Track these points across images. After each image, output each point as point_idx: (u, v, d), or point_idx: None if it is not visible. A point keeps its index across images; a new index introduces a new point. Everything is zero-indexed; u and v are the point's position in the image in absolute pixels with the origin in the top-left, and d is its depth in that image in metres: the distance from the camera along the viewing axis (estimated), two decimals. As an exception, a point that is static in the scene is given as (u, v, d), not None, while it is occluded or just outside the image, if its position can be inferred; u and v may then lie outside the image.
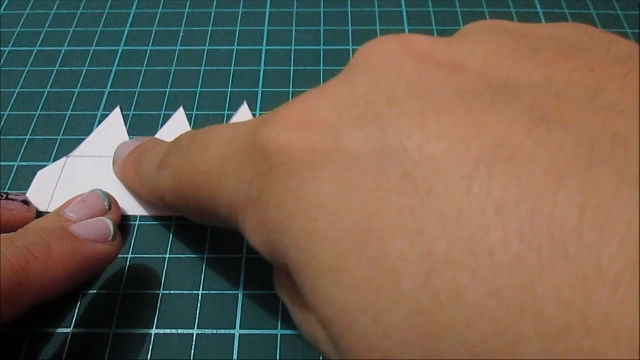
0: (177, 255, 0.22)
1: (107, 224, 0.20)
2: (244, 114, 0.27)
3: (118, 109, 0.27)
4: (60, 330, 0.20)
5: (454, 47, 0.12)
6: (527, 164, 0.09)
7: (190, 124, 0.26)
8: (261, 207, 0.12)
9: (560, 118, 0.09)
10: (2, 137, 0.26)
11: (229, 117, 0.26)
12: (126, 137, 0.26)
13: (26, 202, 0.22)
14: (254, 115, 0.26)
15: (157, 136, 0.26)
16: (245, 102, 0.27)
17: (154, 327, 0.20)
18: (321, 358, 0.19)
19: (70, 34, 0.31)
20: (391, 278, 0.09)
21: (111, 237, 0.20)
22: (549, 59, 0.11)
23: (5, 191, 0.23)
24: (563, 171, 0.09)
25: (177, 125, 0.26)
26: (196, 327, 0.20)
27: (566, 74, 0.10)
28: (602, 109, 0.09)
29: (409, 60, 0.12)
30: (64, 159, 0.25)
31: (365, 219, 0.10)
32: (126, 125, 0.26)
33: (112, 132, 0.26)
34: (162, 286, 0.21)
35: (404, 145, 0.10)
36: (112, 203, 0.22)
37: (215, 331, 0.20)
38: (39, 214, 0.23)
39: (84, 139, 0.26)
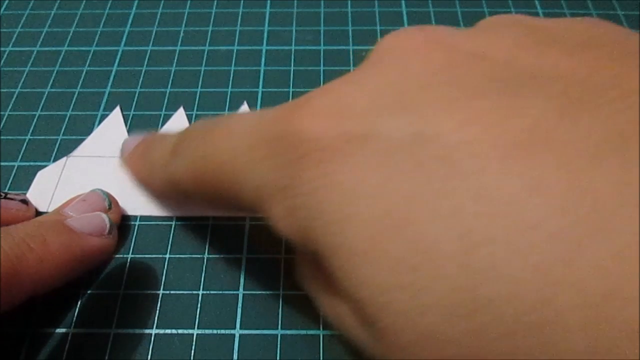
0: (177, 255, 0.22)
1: (103, 218, 0.20)
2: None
3: (118, 109, 0.27)
4: (60, 330, 0.20)
5: (478, 38, 0.13)
6: (563, 145, 0.09)
7: (190, 124, 0.26)
8: (291, 194, 0.12)
9: (589, 103, 0.10)
10: (2, 137, 0.26)
11: (229, 117, 0.26)
12: (126, 137, 0.26)
13: (25, 201, 0.22)
14: (254, 115, 0.26)
15: None
16: (245, 102, 0.27)
17: (154, 327, 0.20)
18: (322, 357, 0.19)
19: (70, 34, 0.31)
20: (429, 257, 0.10)
21: (107, 231, 0.20)
22: (570, 50, 0.11)
23: (5, 191, 0.23)
24: (596, 152, 0.09)
25: (177, 125, 0.26)
26: (196, 327, 0.20)
27: (588, 63, 0.11)
28: (626, 95, 0.10)
29: (435, 50, 0.12)
30: (64, 159, 0.25)
31: (401, 202, 0.10)
32: (126, 125, 0.26)
33: (112, 132, 0.26)
34: (162, 286, 0.21)
35: (438, 130, 0.10)
36: (112, 202, 0.22)
37: (215, 331, 0.20)
38: (39, 215, 0.23)
39: (84, 139, 0.26)
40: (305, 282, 0.16)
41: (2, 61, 0.29)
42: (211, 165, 0.15)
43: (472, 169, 0.10)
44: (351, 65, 0.28)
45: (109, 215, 0.21)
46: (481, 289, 0.09)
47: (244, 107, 0.27)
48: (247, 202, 0.14)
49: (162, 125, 0.26)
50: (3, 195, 0.21)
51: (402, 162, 0.11)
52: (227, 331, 0.20)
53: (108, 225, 0.20)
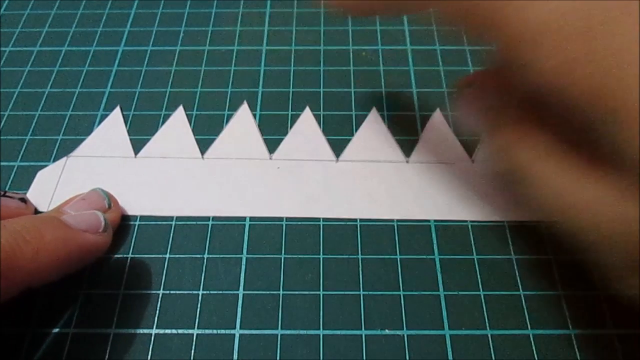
0: (177, 255, 0.22)
1: (98, 215, 0.21)
2: (243, 114, 0.27)
3: (118, 109, 0.27)
4: (60, 330, 0.20)
5: None
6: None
7: (190, 124, 0.26)
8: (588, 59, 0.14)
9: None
10: (2, 137, 0.26)
11: (229, 117, 0.26)
12: (126, 137, 0.26)
13: (24, 200, 0.22)
14: (254, 116, 0.26)
15: (157, 135, 0.26)
16: (245, 102, 0.27)
17: (154, 327, 0.20)
18: (322, 357, 0.19)
19: (70, 34, 0.31)
20: None
21: (102, 229, 0.20)
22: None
23: (4, 189, 0.23)
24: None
25: (176, 125, 0.26)
26: (196, 327, 0.20)
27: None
28: None
29: None
30: (64, 159, 0.25)
31: None
32: (126, 125, 0.26)
33: (112, 132, 0.26)
34: (162, 286, 0.21)
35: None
36: (112, 201, 0.22)
37: (215, 331, 0.20)
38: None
39: (84, 139, 0.26)
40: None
41: (2, 61, 0.29)
42: None
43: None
44: (351, 65, 0.28)
45: (109, 214, 0.21)
46: None
47: (244, 107, 0.27)
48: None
49: (162, 124, 0.26)
50: (2, 193, 0.21)
51: None
52: (227, 331, 0.20)
53: (103, 224, 0.20)
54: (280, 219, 0.23)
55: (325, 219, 0.23)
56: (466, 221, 0.23)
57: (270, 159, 0.25)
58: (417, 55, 0.29)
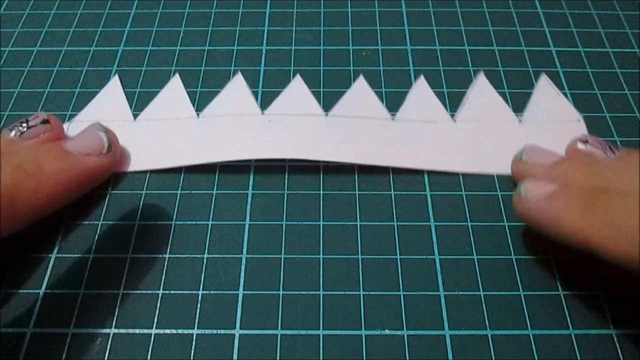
0: (177, 255, 0.22)
1: (100, 136, 0.21)
2: (238, 82, 0.28)
3: (116, 77, 0.28)
4: (60, 330, 0.20)
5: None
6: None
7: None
8: None
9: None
10: (2, 137, 0.26)
11: (229, 117, 0.26)
12: (125, 103, 0.27)
13: (46, 121, 0.22)
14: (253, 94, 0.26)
15: (152, 104, 0.27)
16: (239, 73, 0.28)
17: (154, 327, 0.20)
18: (322, 357, 0.19)
19: (70, 34, 0.31)
20: None
21: (105, 150, 0.21)
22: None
23: (26, 118, 0.23)
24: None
25: (172, 93, 0.27)
26: (196, 327, 0.20)
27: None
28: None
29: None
30: (67, 124, 0.26)
31: None
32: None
33: (111, 98, 0.27)
34: (162, 286, 0.21)
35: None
36: (110, 138, 0.22)
37: (215, 331, 0.20)
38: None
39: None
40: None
41: (2, 61, 0.29)
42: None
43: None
44: (351, 65, 0.28)
45: (107, 154, 0.22)
46: None
47: (238, 77, 0.28)
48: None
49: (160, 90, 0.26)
50: (26, 125, 0.21)
51: None
52: (227, 331, 0.20)
53: (106, 143, 0.21)
54: (280, 219, 0.23)
55: (325, 220, 0.23)
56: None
57: (263, 114, 0.26)
58: (417, 55, 0.29)
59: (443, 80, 0.28)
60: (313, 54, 0.29)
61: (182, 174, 0.24)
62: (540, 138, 0.24)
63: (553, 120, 0.26)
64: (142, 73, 0.28)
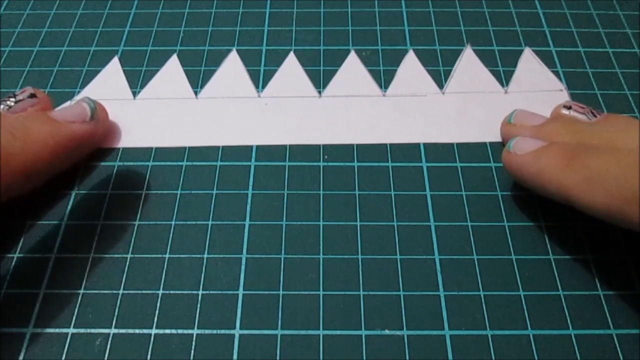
0: (177, 255, 0.22)
1: (84, 105, 0.22)
2: (233, 62, 0.29)
3: (116, 59, 0.29)
4: (60, 330, 0.20)
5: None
6: None
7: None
8: None
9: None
10: (2, 137, 0.26)
11: (229, 117, 0.26)
12: (125, 82, 0.28)
13: (33, 95, 0.23)
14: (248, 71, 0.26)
15: (151, 84, 0.28)
16: (234, 50, 0.29)
17: (154, 327, 0.20)
18: (322, 357, 0.19)
19: (70, 34, 0.31)
20: None
21: (88, 117, 0.22)
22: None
23: (13, 93, 0.23)
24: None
25: (170, 74, 0.28)
26: (196, 327, 0.20)
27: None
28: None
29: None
30: (67, 103, 0.26)
31: None
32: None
33: (111, 78, 0.28)
34: (162, 286, 0.21)
35: None
36: (97, 108, 0.23)
37: (215, 331, 0.20)
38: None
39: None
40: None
41: (2, 61, 0.29)
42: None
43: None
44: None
45: (91, 122, 0.23)
46: None
47: (234, 56, 0.28)
48: None
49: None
50: (14, 100, 0.22)
51: None
52: (227, 331, 0.20)
53: (89, 111, 0.22)
54: (280, 219, 0.23)
55: (325, 220, 0.23)
56: (452, 144, 0.23)
57: (259, 96, 0.27)
58: (417, 55, 0.29)
59: (443, 80, 0.28)
60: (313, 54, 0.29)
61: (183, 174, 0.24)
62: (526, 106, 0.26)
63: (538, 90, 0.27)
64: (142, 73, 0.28)
